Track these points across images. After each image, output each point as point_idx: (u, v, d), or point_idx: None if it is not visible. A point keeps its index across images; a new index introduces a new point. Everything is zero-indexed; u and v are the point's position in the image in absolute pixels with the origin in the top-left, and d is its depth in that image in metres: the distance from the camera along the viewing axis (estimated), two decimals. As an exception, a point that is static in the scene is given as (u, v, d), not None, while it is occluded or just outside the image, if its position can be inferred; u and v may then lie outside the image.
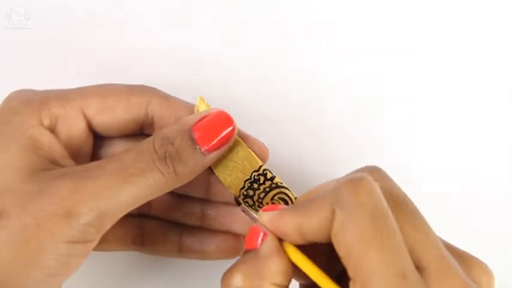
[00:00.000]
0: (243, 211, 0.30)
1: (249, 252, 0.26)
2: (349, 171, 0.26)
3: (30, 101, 0.28)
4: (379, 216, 0.22)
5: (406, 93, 0.39)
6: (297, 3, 0.40)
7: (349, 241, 0.22)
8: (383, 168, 0.26)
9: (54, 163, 0.27)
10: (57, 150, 0.27)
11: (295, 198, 0.30)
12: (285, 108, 0.38)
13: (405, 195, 0.25)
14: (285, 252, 0.25)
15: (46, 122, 0.28)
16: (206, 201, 0.33)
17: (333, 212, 0.23)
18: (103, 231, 0.26)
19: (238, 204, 0.30)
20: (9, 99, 0.28)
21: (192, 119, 0.28)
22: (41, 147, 0.27)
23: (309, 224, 0.24)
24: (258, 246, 0.26)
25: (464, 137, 0.39)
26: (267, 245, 0.25)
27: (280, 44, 0.39)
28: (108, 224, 0.26)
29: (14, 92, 0.29)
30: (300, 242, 0.25)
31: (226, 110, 0.29)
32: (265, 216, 0.26)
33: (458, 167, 0.38)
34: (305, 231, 0.24)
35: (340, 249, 0.23)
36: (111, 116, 0.29)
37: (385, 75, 0.39)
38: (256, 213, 0.28)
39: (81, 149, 0.29)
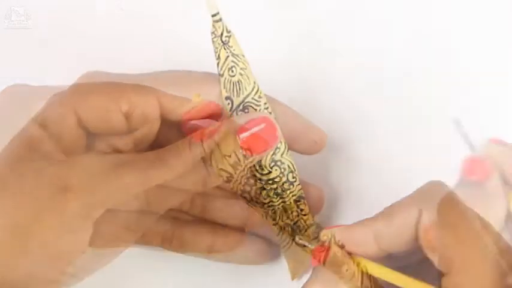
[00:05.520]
0: (298, 243, 0.28)
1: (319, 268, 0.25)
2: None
3: (23, 96, 0.28)
4: (467, 214, 0.23)
5: (405, 93, 0.38)
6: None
7: (442, 237, 0.23)
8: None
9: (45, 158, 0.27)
10: (48, 145, 0.27)
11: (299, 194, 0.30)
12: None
13: None
14: (357, 267, 0.25)
15: (37, 117, 0.27)
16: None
17: (419, 212, 0.23)
18: (92, 219, 0.25)
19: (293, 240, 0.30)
20: (3, 93, 0.28)
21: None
22: (32, 141, 0.26)
23: (390, 229, 0.24)
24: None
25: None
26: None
27: (281, 43, 0.39)
28: (97, 212, 0.25)
29: (8, 87, 0.29)
30: (376, 252, 0.25)
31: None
32: (333, 231, 0.26)
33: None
34: (384, 238, 0.24)
35: (432, 246, 0.23)
36: (102, 115, 0.28)
37: (385, 75, 0.39)
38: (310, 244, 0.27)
39: (73, 145, 0.29)
